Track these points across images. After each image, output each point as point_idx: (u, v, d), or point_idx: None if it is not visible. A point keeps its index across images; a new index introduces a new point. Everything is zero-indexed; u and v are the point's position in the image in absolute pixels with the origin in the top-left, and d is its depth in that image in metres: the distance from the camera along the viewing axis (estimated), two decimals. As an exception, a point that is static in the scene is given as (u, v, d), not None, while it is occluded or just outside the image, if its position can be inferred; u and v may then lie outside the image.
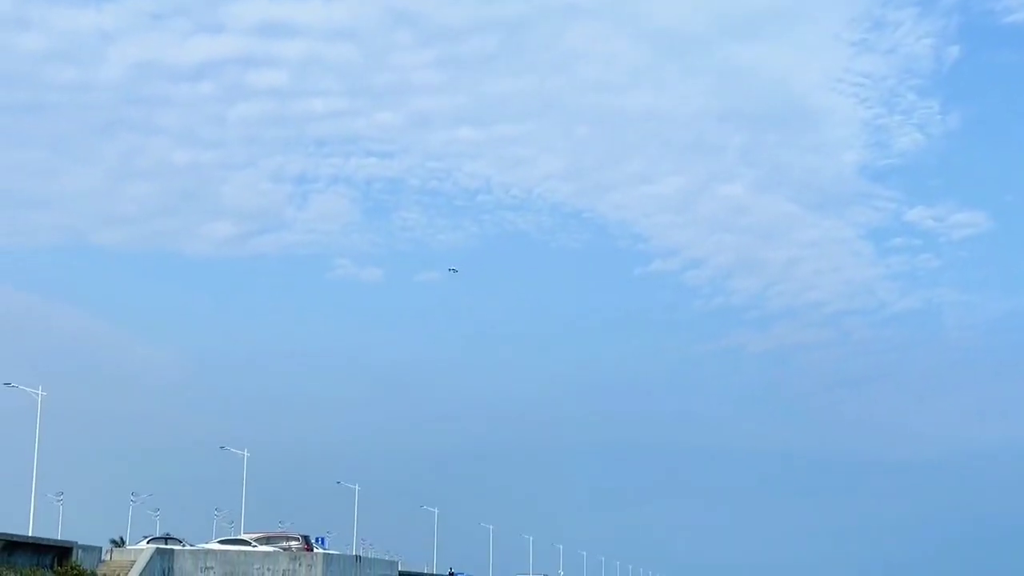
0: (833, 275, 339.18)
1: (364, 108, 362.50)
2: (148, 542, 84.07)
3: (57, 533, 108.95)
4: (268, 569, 78.28)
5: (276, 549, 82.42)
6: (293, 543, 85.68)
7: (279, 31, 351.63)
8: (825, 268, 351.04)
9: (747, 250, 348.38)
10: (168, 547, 78.83)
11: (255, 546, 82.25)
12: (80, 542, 70.56)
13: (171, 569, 75.05)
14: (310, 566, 79.24)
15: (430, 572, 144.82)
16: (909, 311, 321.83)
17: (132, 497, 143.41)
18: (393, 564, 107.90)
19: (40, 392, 79.99)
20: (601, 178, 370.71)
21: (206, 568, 76.82)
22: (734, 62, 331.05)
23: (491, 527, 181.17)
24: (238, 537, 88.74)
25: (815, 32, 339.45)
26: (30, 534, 70.35)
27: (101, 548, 75.55)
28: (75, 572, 65.77)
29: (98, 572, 69.76)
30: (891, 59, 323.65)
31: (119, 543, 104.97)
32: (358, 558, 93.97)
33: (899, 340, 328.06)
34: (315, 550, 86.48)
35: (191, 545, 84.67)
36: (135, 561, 72.63)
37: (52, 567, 64.71)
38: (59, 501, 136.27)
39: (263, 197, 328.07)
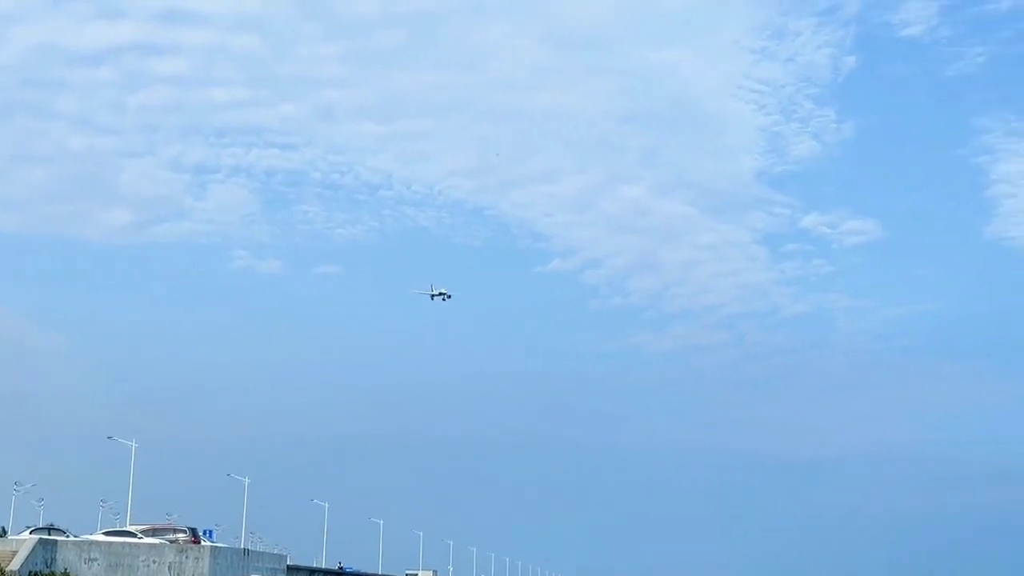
0: (729, 278, 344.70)
1: (267, 99, 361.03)
2: (30, 532, 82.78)
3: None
4: (154, 561, 77.51)
5: (162, 541, 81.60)
6: (180, 535, 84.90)
7: (182, 19, 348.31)
8: (722, 271, 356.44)
9: (646, 251, 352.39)
10: (51, 538, 77.69)
11: (141, 538, 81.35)
12: (-40, 531, 69.33)
13: (54, 560, 74.03)
14: (197, 559, 78.60)
15: (319, 566, 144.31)
16: (802, 315, 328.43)
17: (15, 487, 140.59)
18: (282, 558, 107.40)
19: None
20: (504, 176, 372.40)
21: (90, 560, 75.88)
22: (638, 65, 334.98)
23: (381, 522, 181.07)
24: (124, 528, 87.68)
25: (717, 38, 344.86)
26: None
27: (-19, 538, 74.26)
28: (-46, 562, 64.60)
29: (-22, 562, 68.57)
30: (790, 67, 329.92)
31: (0, 533, 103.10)
32: (246, 551, 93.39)
33: (792, 343, 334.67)
34: (202, 543, 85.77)
35: (75, 536, 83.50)
36: (17, 552, 71.56)
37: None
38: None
39: (162, 185, 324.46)
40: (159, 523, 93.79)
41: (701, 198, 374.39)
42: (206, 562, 78.58)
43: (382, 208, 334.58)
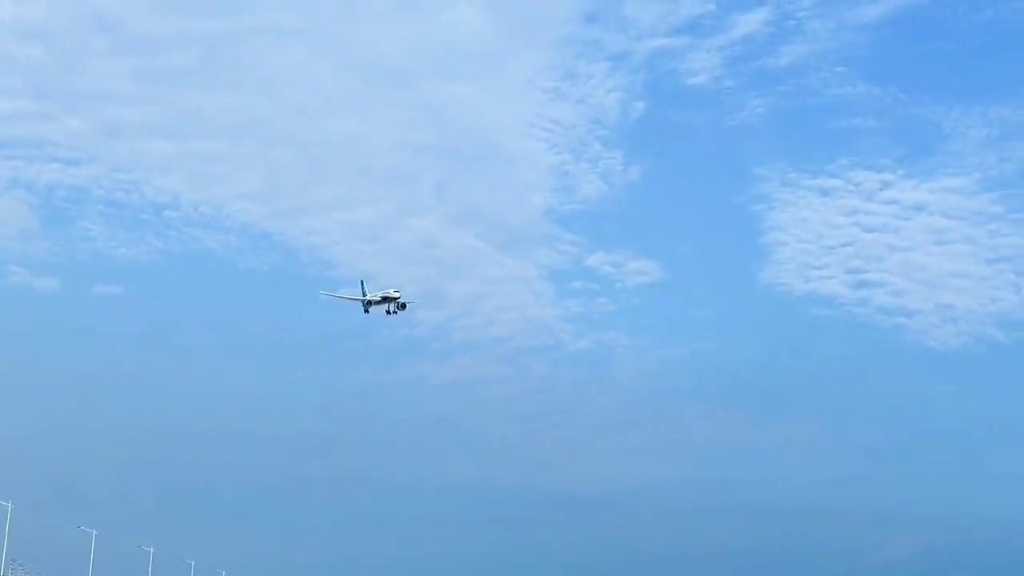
0: (515, 312, 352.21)
1: (53, 112, 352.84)
2: None
3: None
4: None
5: None
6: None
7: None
8: (508, 305, 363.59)
9: (434, 283, 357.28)
10: None
11: None
12: None
13: None
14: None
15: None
16: (584, 352, 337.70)
17: None
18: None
19: None
20: (296, 201, 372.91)
21: None
22: (435, 98, 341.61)
23: (151, 550, 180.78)
24: None
25: (512, 77, 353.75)
26: None
27: None
28: None
29: None
30: (581, 109, 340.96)
31: None
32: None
33: (574, 379, 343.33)
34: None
35: None
36: None
37: None
38: None
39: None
40: None
41: (491, 232, 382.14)
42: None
43: (168, 229, 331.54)
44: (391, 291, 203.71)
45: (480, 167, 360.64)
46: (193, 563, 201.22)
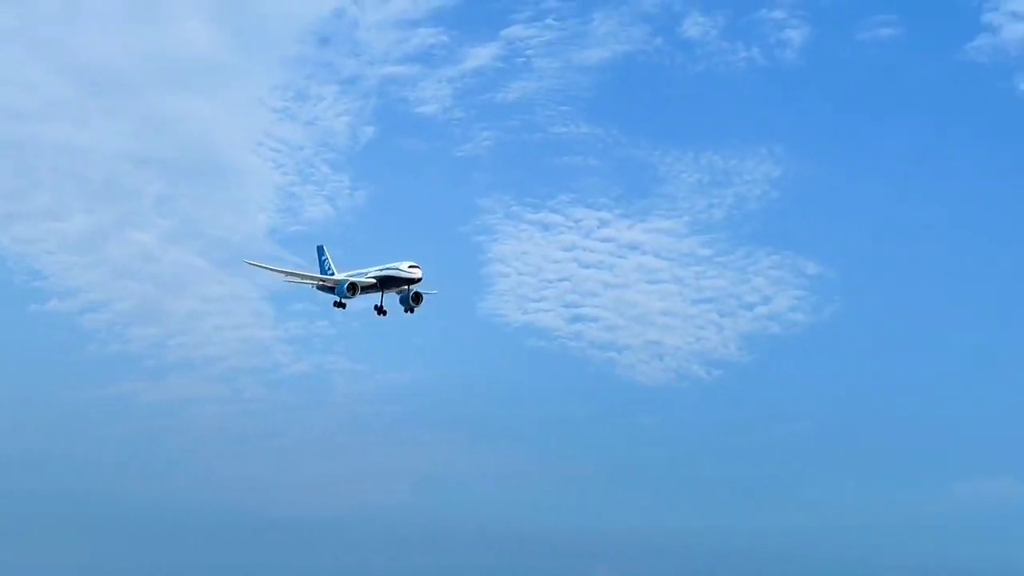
0: (233, 332, 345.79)
1: None
2: None
3: None
4: None
5: None
6: None
7: None
8: (226, 325, 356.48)
9: (151, 299, 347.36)
10: None
11: None
12: None
13: None
14: None
15: None
16: (302, 374, 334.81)
17: None
18: None
19: None
20: (5, 208, 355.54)
21: None
22: (161, 110, 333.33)
23: None
24: None
25: (241, 93, 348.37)
26: None
27: None
28: None
29: None
30: (310, 130, 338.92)
31: None
32: None
33: (291, 401, 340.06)
34: None
35: None
36: None
37: None
38: None
39: None
40: None
41: (212, 250, 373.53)
42: None
43: None
44: (404, 267, 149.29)
45: (204, 183, 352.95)
46: None
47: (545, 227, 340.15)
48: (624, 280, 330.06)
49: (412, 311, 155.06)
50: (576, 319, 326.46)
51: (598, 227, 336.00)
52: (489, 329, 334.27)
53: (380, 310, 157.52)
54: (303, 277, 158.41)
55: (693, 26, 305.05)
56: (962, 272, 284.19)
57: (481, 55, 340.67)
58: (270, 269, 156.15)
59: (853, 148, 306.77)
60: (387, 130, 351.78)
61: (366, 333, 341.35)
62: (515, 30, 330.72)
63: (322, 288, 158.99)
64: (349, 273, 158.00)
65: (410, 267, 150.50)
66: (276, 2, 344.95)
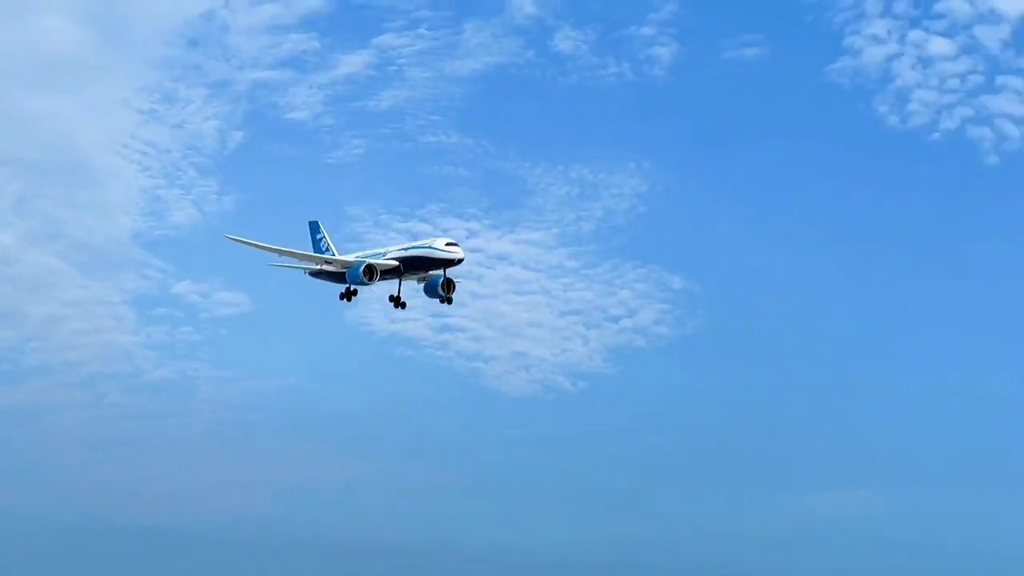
0: (94, 337, 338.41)
1: None
2: None
3: None
4: None
5: None
6: None
7: None
8: (87, 329, 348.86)
9: (8, 302, 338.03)
10: None
11: None
12: None
13: None
14: None
15: None
16: (165, 380, 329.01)
17: None
18: None
19: None
20: None
21: None
22: (21, 109, 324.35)
23: None
24: None
25: (106, 94, 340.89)
26: None
27: None
28: None
29: None
30: (178, 133, 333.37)
31: None
32: None
33: (153, 408, 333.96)
34: None
35: None
36: None
37: None
38: None
39: None
40: None
41: (73, 253, 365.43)
42: None
43: None
44: (440, 245, 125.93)
45: (66, 184, 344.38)
46: None
47: (414, 236, 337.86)
48: (492, 291, 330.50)
49: (450, 301, 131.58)
50: (443, 329, 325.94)
51: (467, 237, 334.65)
52: (356, 338, 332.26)
53: (397, 301, 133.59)
54: (301, 257, 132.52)
55: (564, 40, 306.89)
56: (822, 287, 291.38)
57: (353, 62, 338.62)
58: (256, 246, 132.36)
59: (719, 164, 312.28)
60: (257, 135, 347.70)
61: (232, 340, 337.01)
62: (387, 38, 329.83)
63: (319, 275, 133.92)
64: (361, 254, 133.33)
65: (447, 245, 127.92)
66: (144, 3, 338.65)
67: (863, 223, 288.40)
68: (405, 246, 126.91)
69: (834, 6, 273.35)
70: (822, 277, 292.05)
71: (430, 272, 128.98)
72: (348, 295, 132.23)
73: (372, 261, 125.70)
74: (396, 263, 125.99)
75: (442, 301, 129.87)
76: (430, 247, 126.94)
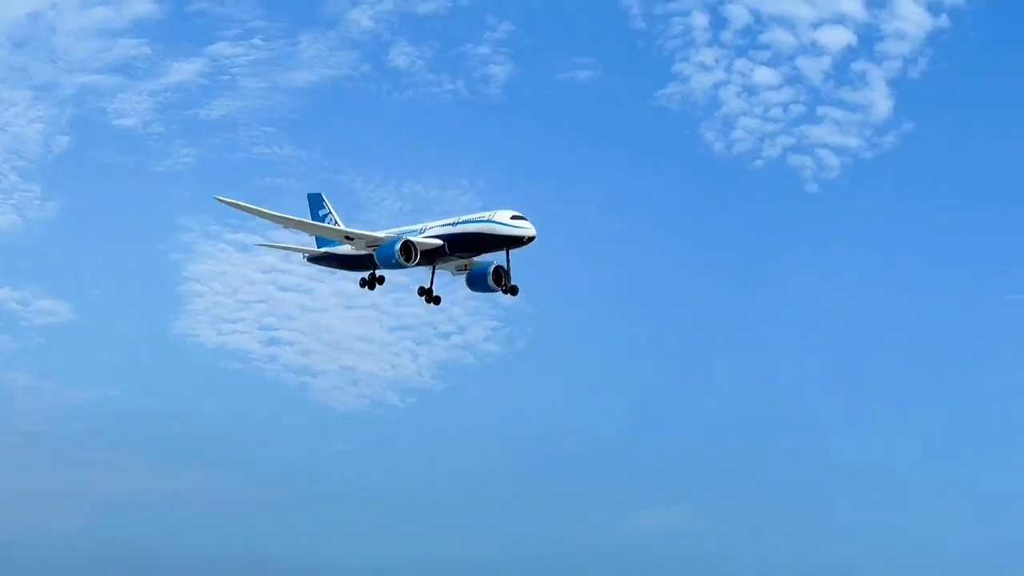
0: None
1: None
2: None
3: None
4: None
5: None
6: None
7: None
8: None
9: None
10: None
11: None
12: None
13: None
14: None
15: None
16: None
17: None
18: None
19: None
20: None
21: None
22: None
23: None
24: None
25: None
26: None
27: None
28: None
29: None
30: (1, 137, 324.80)
31: None
32: None
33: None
34: None
35: None
36: None
37: None
38: None
39: None
40: None
41: None
42: None
43: None
44: (505, 218, 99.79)
45: None
46: None
47: (244, 248, 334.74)
48: (322, 304, 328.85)
49: (515, 290, 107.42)
50: (272, 342, 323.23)
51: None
52: (182, 349, 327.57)
53: (429, 295, 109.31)
54: (317, 230, 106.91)
55: (400, 55, 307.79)
56: (647, 305, 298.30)
57: (185, 70, 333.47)
58: (254, 211, 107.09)
59: (552, 185, 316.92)
60: (83, 141, 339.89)
61: (52, 350, 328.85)
62: (221, 47, 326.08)
63: (323, 259, 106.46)
64: (397, 230, 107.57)
65: (513, 218, 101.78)
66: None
67: (687, 253, 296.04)
68: (451, 220, 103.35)
69: (664, 33, 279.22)
70: (644, 297, 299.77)
71: (477, 257, 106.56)
72: (372, 282, 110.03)
73: (411, 238, 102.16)
74: (439, 242, 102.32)
75: (505, 292, 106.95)
76: (491, 220, 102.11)
